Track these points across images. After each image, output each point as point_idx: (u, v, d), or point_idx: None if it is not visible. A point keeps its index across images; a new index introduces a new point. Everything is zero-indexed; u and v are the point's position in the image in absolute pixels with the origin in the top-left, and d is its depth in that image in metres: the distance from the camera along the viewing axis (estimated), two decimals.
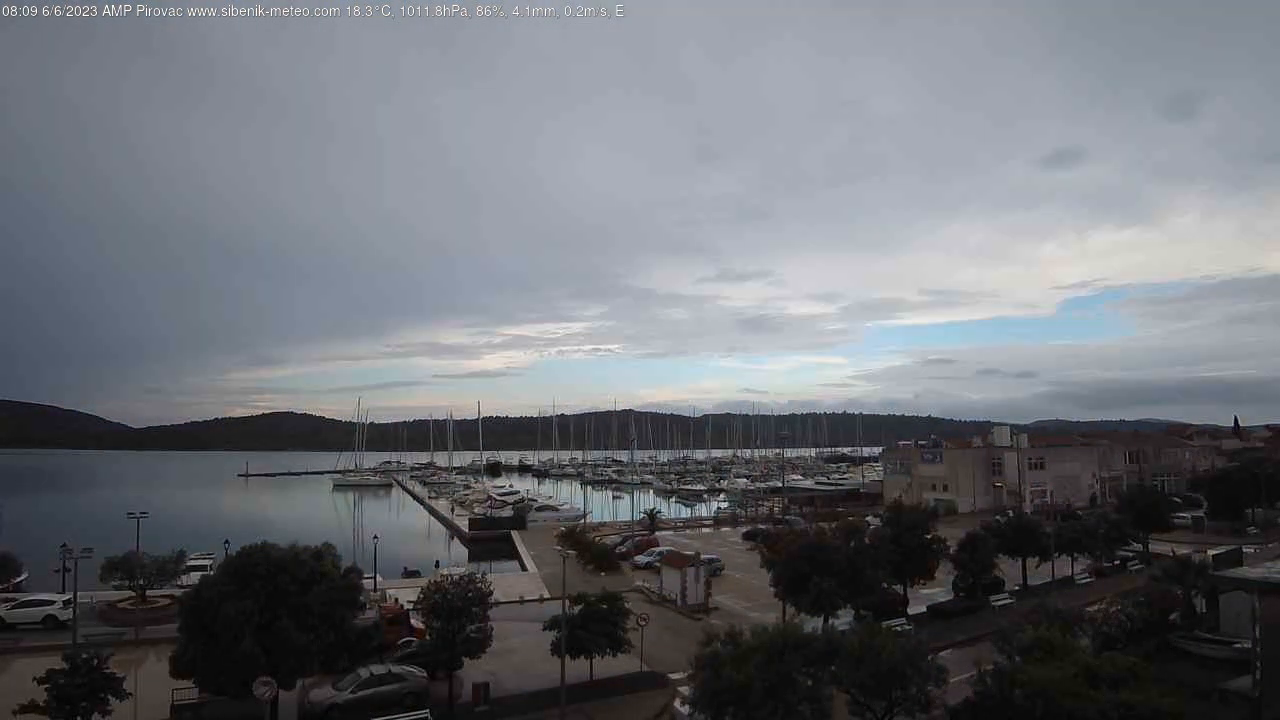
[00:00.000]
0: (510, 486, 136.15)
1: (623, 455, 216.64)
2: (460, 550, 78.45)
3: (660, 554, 55.74)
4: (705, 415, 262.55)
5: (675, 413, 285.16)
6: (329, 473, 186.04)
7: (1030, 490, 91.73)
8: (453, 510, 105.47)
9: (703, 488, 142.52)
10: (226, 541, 48.52)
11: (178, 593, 34.35)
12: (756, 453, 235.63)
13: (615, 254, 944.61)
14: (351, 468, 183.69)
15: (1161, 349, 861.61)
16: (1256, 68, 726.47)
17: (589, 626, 30.24)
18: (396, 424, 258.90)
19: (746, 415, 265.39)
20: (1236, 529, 70.61)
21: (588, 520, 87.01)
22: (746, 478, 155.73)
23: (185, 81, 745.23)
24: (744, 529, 76.87)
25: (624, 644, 30.78)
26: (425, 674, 29.19)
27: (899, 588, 41.75)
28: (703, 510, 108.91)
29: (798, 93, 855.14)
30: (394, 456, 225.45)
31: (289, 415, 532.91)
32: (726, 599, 46.81)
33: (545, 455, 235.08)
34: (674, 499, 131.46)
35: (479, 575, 31.41)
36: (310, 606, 24.98)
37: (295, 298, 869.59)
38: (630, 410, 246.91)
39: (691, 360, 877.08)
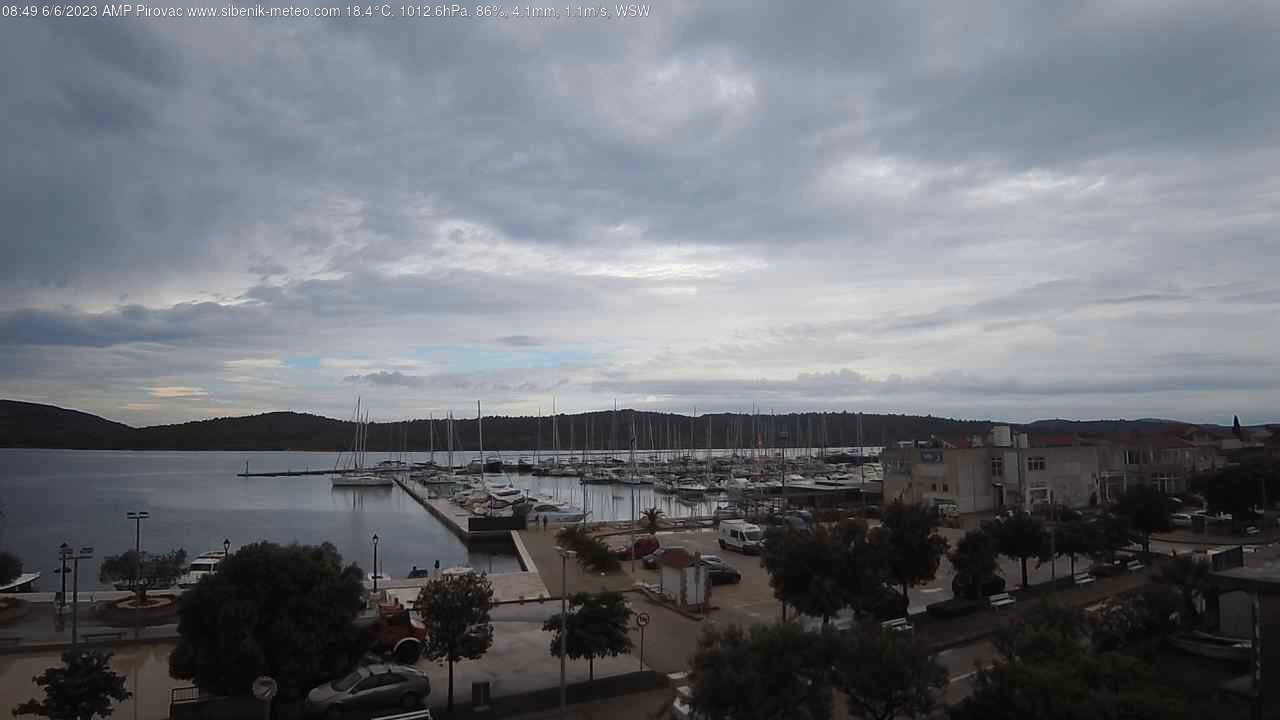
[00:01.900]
0: (510, 486, 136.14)
1: (623, 455, 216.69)
2: (460, 550, 78.47)
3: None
4: (705, 415, 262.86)
5: (676, 413, 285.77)
6: (329, 472, 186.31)
7: (1030, 490, 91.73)
8: (453, 510, 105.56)
9: (703, 488, 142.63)
10: (226, 541, 48.54)
11: (178, 593, 34.36)
12: (756, 453, 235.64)
13: None
14: (351, 467, 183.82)
15: None
16: None
17: (589, 626, 30.22)
18: (396, 424, 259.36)
19: (747, 415, 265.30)
20: (1236, 529, 70.66)
21: (588, 520, 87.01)
22: (746, 478, 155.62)
23: None
24: None
25: (624, 644, 30.76)
26: (425, 674, 29.20)
27: (899, 588, 41.71)
28: (703, 510, 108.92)
29: None
30: (394, 456, 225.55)
31: (289, 415, 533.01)
32: (726, 599, 46.80)
33: (545, 455, 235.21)
34: (674, 499, 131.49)
35: (479, 575, 31.44)
36: (310, 606, 25.01)
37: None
38: (630, 410, 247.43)
39: None
